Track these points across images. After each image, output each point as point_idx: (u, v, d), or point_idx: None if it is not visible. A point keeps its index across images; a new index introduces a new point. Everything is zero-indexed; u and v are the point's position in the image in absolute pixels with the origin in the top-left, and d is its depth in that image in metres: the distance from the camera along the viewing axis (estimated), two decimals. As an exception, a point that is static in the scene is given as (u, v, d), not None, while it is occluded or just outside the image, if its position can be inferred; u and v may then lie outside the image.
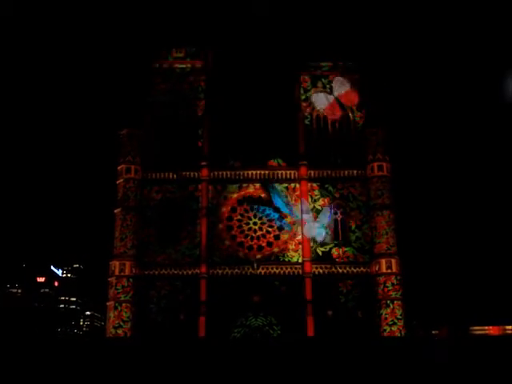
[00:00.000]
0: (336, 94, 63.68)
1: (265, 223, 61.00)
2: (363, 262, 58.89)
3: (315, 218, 60.12)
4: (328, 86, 63.66)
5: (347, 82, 63.44)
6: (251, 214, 61.32)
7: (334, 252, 59.52)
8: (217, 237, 60.14)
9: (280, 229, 60.49)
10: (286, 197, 60.80)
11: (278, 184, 61.14)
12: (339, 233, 60.32)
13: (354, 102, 63.35)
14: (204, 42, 65.02)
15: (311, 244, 59.12)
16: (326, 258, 59.16)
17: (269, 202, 60.98)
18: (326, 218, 60.24)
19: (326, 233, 59.88)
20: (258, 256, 59.70)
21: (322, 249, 59.43)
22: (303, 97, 63.56)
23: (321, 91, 63.70)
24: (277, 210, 60.85)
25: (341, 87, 63.62)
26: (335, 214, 60.78)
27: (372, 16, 66.95)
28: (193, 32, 65.31)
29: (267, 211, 60.99)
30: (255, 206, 61.18)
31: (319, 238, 59.70)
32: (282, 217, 60.61)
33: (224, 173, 61.82)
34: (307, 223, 59.58)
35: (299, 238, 59.51)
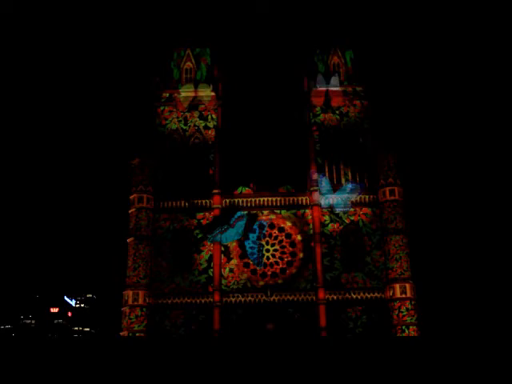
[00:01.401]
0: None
1: (277, 250, 60.74)
2: (372, 288, 58.35)
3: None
4: (337, 111, 63.87)
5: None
6: (263, 241, 61.12)
7: (343, 278, 59.09)
8: (229, 264, 59.92)
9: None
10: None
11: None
12: (350, 258, 59.75)
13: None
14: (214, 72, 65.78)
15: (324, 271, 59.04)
16: (336, 283, 58.66)
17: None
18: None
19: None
20: (272, 283, 59.28)
21: (331, 274, 59.02)
22: (313, 122, 63.70)
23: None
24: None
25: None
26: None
27: (381, 42, 67.49)
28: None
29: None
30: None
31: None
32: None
33: (235, 200, 61.79)
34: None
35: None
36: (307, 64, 65.81)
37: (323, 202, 60.61)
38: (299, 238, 60.56)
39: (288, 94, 67.05)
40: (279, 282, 59.48)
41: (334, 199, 60.88)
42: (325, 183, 61.27)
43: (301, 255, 60.11)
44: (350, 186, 61.50)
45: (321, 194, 60.81)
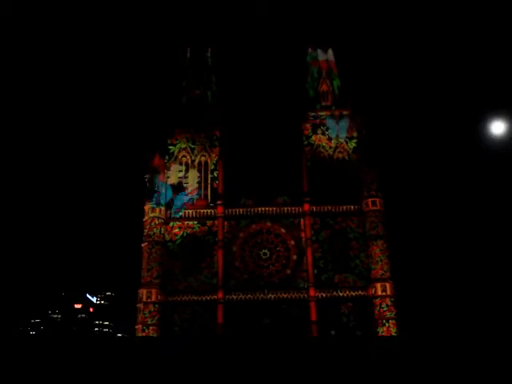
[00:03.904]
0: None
1: (273, 254, 61.58)
2: (361, 287, 59.10)
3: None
4: (326, 132, 64.74)
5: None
6: (261, 246, 61.86)
7: (336, 278, 59.83)
8: (232, 266, 60.71)
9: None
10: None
11: None
12: (341, 261, 60.43)
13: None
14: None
15: (315, 271, 59.90)
16: (329, 283, 59.47)
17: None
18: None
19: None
20: (268, 282, 59.90)
21: (325, 275, 59.80)
22: (305, 142, 64.68)
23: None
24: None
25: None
26: None
27: (364, 72, 68.70)
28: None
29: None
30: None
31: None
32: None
33: (237, 210, 62.64)
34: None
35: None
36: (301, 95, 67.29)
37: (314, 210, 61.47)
38: (293, 243, 61.23)
39: (283, 117, 68.03)
40: (275, 281, 60.01)
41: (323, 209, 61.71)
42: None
43: (294, 258, 60.68)
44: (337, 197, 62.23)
45: (312, 204, 61.68)
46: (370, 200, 60.84)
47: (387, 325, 56.49)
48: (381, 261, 58.78)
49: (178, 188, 62.78)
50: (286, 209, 62.41)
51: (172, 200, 62.11)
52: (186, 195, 62.59)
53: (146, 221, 61.34)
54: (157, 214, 61.05)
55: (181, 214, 61.66)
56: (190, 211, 62.35)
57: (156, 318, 57.66)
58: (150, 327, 57.07)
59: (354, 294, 58.99)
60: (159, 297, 58.53)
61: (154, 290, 58.38)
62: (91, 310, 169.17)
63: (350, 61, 68.39)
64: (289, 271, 60.52)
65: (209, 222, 61.99)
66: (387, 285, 57.92)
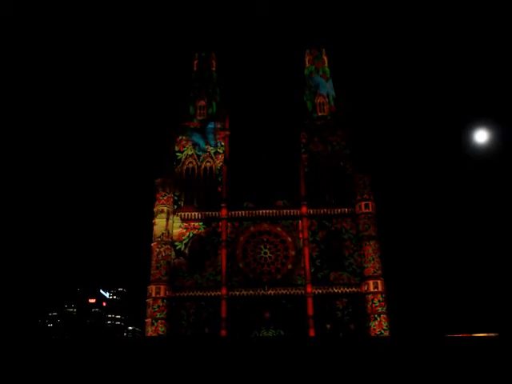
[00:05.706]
0: None
1: (273, 253, 61.47)
2: (355, 284, 59.04)
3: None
4: (323, 140, 64.62)
5: None
6: (262, 245, 61.84)
7: (332, 275, 59.73)
8: (235, 264, 60.62)
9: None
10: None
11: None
12: (336, 259, 60.22)
13: None
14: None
15: (312, 269, 59.69)
16: (325, 280, 59.36)
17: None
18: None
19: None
20: (268, 279, 59.91)
21: (322, 273, 59.66)
22: (303, 150, 64.63)
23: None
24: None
25: None
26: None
27: (358, 87, 68.83)
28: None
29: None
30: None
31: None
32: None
33: (240, 212, 62.60)
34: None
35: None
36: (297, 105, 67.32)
37: (311, 212, 61.27)
38: (291, 243, 61.06)
39: (282, 125, 68.04)
40: (274, 279, 59.89)
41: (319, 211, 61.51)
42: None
43: (293, 257, 60.62)
44: (332, 201, 62.17)
45: (309, 207, 61.53)
46: (363, 203, 60.93)
47: (379, 319, 56.49)
48: (373, 260, 58.89)
49: None
50: (285, 211, 62.43)
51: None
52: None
53: (155, 222, 61.21)
54: (165, 215, 61.02)
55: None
56: (196, 213, 62.45)
57: (164, 312, 57.74)
58: (159, 321, 57.17)
59: (348, 290, 58.94)
60: (167, 293, 58.60)
61: (162, 287, 58.47)
62: (104, 304, 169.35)
63: (345, 68, 68.76)
64: (287, 269, 60.51)
65: (213, 224, 62.08)
66: (379, 282, 58.05)
